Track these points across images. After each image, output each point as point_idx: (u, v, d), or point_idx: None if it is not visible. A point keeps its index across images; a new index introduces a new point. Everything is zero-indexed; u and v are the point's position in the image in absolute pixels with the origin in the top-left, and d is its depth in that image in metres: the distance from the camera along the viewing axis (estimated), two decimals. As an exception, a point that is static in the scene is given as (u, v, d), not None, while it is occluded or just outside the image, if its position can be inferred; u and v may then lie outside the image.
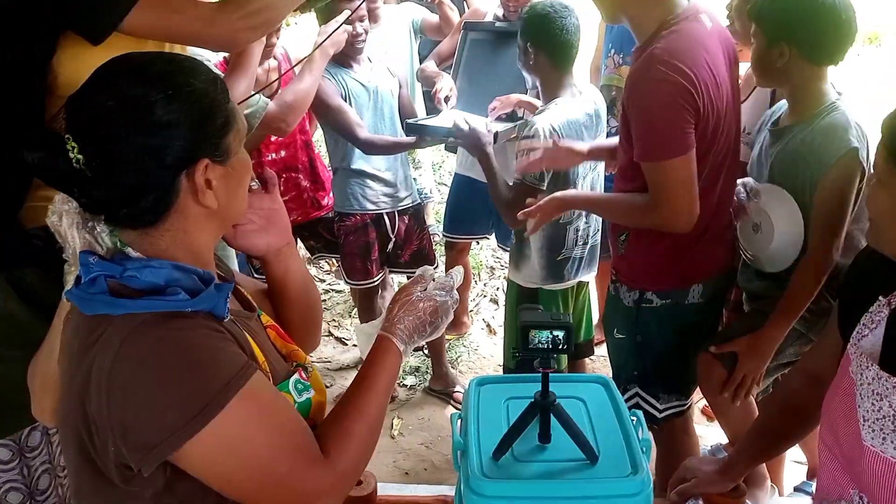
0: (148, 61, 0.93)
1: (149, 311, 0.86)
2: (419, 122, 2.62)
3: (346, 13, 2.16)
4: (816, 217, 1.70)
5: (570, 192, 1.90)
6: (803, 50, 1.69)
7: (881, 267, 1.06)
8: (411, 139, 2.61)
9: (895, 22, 6.61)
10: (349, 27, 2.37)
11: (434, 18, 3.10)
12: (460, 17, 3.07)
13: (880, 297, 1.07)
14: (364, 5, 2.52)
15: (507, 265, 3.78)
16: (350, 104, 2.57)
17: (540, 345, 1.02)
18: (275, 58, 2.53)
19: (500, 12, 2.86)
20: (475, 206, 3.00)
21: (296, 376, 1.03)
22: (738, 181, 1.88)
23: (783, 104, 1.89)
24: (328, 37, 2.12)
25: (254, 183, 1.13)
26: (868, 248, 1.15)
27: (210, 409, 0.83)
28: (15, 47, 1.28)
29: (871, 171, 1.03)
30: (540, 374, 1.06)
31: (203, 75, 0.93)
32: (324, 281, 3.91)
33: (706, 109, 1.59)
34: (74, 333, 0.91)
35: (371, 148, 2.60)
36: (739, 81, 1.96)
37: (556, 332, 1.02)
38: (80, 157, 0.85)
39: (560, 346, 1.03)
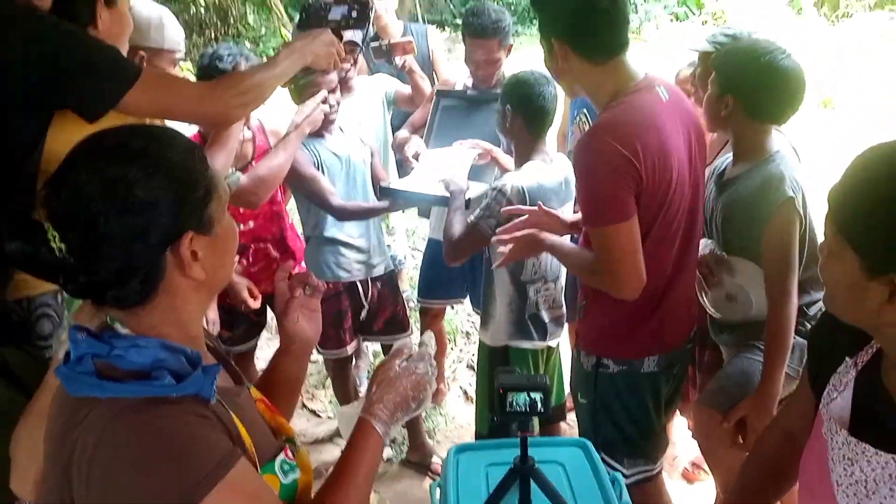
0: (125, 137, 0.91)
1: (134, 396, 0.84)
2: (391, 187, 2.64)
3: (323, 93, 2.22)
4: (767, 266, 1.79)
5: (547, 235, 1.92)
6: (745, 105, 1.83)
7: (846, 328, 1.07)
8: (384, 203, 2.64)
9: (849, 88, 6.95)
10: (325, 107, 2.43)
11: (406, 90, 3.18)
12: (431, 87, 3.15)
13: (847, 359, 1.09)
14: (336, 76, 2.58)
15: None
16: (323, 173, 2.60)
17: (517, 408, 1.02)
18: (249, 128, 2.57)
19: (469, 82, 2.95)
20: (449, 271, 2.99)
21: (282, 456, 1.01)
22: (701, 246, 1.94)
23: (727, 157, 1.98)
24: (306, 117, 2.17)
25: (307, 289, 1.19)
26: None
27: (190, 500, 0.80)
28: (8, 126, 1.29)
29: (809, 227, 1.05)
30: (518, 439, 1.05)
31: (181, 147, 0.93)
32: (297, 351, 3.85)
33: (649, 179, 1.61)
34: (60, 412, 0.89)
35: (344, 214, 2.61)
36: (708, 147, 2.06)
37: (533, 395, 1.02)
38: (61, 245, 0.84)
39: (538, 409, 1.02)
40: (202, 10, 11.28)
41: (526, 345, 2.38)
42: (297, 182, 2.58)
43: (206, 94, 1.50)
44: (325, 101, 2.45)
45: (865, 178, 0.97)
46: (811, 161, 2.31)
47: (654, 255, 1.71)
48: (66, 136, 1.26)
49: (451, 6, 13.29)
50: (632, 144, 1.58)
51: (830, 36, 7.87)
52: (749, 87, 1.82)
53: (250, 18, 11.99)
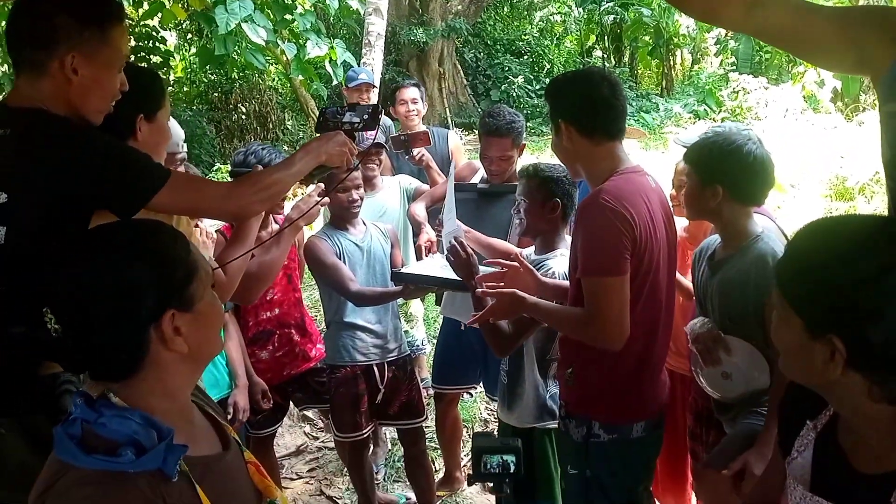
0: (114, 231, 1.08)
1: (93, 469, 0.94)
2: (404, 272, 2.78)
3: (320, 187, 2.31)
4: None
5: (528, 296, 2.01)
6: (733, 192, 1.95)
7: (808, 394, 1.12)
8: (397, 288, 2.74)
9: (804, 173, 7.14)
10: (319, 207, 2.54)
11: (425, 187, 3.38)
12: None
13: (808, 422, 1.15)
14: (360, 174, 2.79)
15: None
16: (344, 262, 2.77)
17: (491, 469, 1.09)
18: (276, 221, 2.74)
19: (485, 175, 3.15)
20: (463, 355, 3.09)
21: None
22: (698, 325, 2.02)
23: (714, 238, 2.09)
24: (303, 214, 2.22)
25: None
26: None
27: None
28: (55, 228, 1.45)
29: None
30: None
31: (164, 235, 1.07)
32: (317, 438, 3.91)
33: (642, 243, 1.78)
34: (46, 469, 1.00)
35: (361, 300, 2.75)
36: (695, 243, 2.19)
37: (506, 457, 1.09)
38: (57, 327, 0.98)
39: (511, 471, 1.09)
40: (243, 117, 11.97)
41: (552, 424, 2.36)
42: (320, 269, 2.75)
43: (227, 193, 1.66)
44: (345, 190, 2.65)
45: (803, 247, 1.07)
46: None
47: (643, 319, 1.84)
48: None
49: (479, 110, 13.88)
50: (629, 208, 1.77)
51: (846, 131, 8.04)
52: (736, 176, 1.94)
53: (288, 124, 12.67)
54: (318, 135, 1.86)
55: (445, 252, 2.29)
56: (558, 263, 2.30)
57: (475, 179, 3.23)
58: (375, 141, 3.27)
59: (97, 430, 0.97)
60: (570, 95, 1.92)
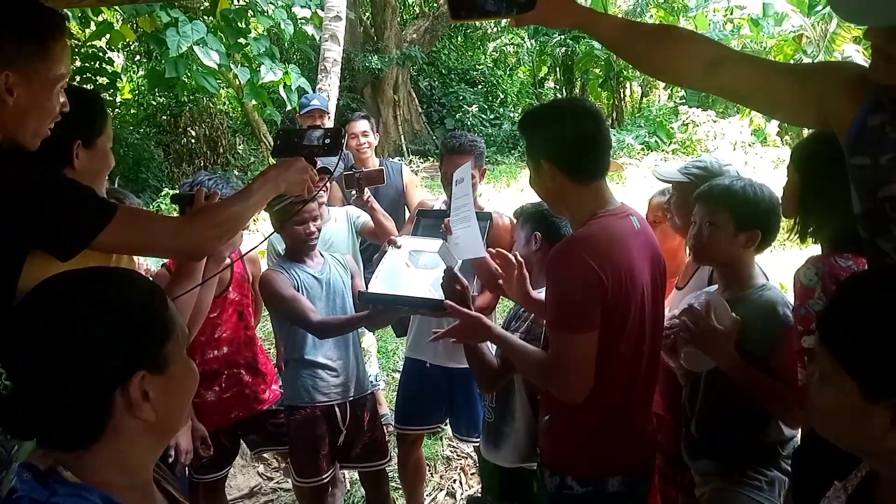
0: (79, 277, 0.93)
1: None
2: (371, 292, 2.56)
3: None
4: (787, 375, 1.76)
5: (493, 325, 1.93)
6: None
7: (832, 452, 1.05)
8: (364, 313, 2.59)
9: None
10: (308, 227, 2.42)
11: (371, 223, 3.28)
12: (404, 218, 3.25)
13: (836, 483, 1.07)
14: (317, 205, 2.66)
15: (471, 453, 3.70)
16: (303, 295, 2.62)
17: (491, 537, 0.99)
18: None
19: (446, 198, 3.06)
20: (427, 394, 2.97)
21: None
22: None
23: (710, 288, 2.03)
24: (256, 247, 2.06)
25: None
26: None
27: None
28: None
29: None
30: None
31: (138, 287, 0.94)
32: (271, 479, 3.71)
33: (614, 295, 1.66)
34: None
35: (325, 330, 2.60)
36: (675, 278, 2.10)
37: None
38: (7, 383, 0.84)
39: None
40: (192, 140, 11.71)
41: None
42: (278, 303, 2.59)
43: (180, 230, 1.51)
44: (302, 222, 2.54)
45: (859, 303, 0.98)
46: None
47: (620, 372, 1.74)
48: (42, 273, 1.30)
49: (433, 138, 13.92)
50: (601, 260, 1.65)
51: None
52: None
53: (239, 148, 12.46)
54: (275, 161, 1.73)
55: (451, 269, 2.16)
56: None
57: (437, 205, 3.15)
58: (322, 166, 3.17)
59: None
60: (553, 133, 1.76)
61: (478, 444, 2.99)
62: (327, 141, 1.76)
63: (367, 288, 2.64)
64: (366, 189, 3.12)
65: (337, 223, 3.32)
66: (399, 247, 2.72)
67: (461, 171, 2.36)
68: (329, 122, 4.67)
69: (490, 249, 2.26)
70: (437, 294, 2.32)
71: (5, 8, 1.31)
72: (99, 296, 0.89)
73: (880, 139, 1.16)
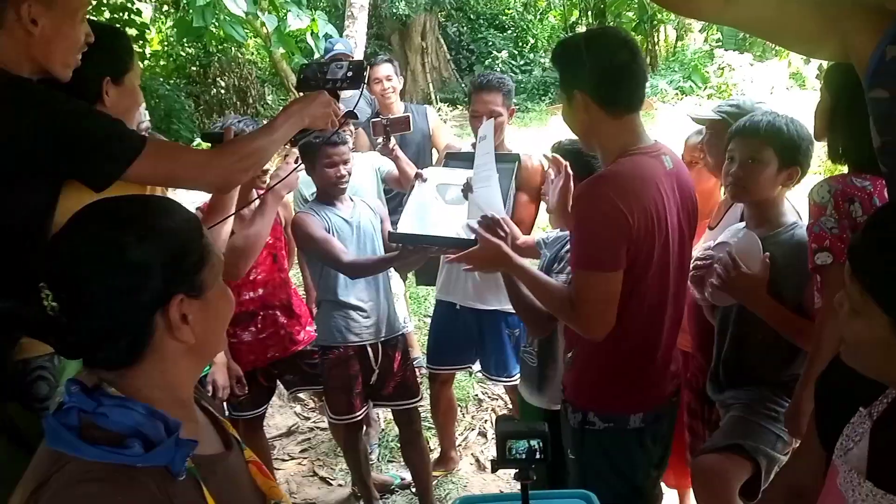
0: (120, 205, 0.96)
1: (98, 461, 0.84)
2: (401, 232, 2.58)
3: (295, 153, 2.22)
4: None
5: (515, 255, 1.92)
6: (802, 174, 1.91)
7: (857, 378, 1.05)
8: (394, 253, 2.62)
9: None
10: (301, 170, 2.43)
11: (396, 171, 3.28)
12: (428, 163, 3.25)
13: (861, 409, 1.07)
14: (348, 149, 2.68)
15: (501, 394, 3.78)
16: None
17: (518, 455, 1.02)
18: (256, 191, 2.63)
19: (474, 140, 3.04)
20: (457, 335, 3.02)
21: None
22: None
23: (741, 224, 2.01)
24: (281, 180, 2.14)
25: None
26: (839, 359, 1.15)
27: None
28: (20, 194, 1.35)
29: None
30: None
31: (176, 215, 0.96)
32: (308, 419, 3.84)
33: (639, 234, 1.65)
34: (37, 461, 0.90)
35: (355, 270, 2.65)
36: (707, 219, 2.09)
37: (532, 442, 1.02)
38: (54, 304, 0.86)
39: (538, 456, 1.03)
40: (222, 91, 11.73)
41: None
42: (310, 244, 2.64)
43: (208, 162, 1.55)
44: (333, 164, 2.55)
45: (890, 235, 0.96)
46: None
47: (644, 310, 1.74)
48: (76, 205, 1.35)
49: (462, 86, 13.74)
50: (627, 199, 1.63)
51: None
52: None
53: (269, 98, 12.45)
54: (299, 97, 1.74)
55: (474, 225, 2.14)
56: None
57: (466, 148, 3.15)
58: (347, 110, 3.17)
59: (97, 421, 0.88)
60: (588, 62, 1.68)
61: (507, 384, 3.06)
62: (350, 74, 1.75)
63: (396, 228, 2.66)
64: (391, 137, 3.12)
65: (361, 170, 3.33)
66: (426, 180, 2.73)
67: (484, 127, 2.34)
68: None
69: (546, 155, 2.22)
70: (467, 233, 2.34)
71: None
72: (139, 221, 0.92)
73: None
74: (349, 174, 2.70)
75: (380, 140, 3.13)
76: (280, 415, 3.82)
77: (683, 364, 2.26)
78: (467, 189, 2.34)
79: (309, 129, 1.70)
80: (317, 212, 2.68)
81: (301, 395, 3.84)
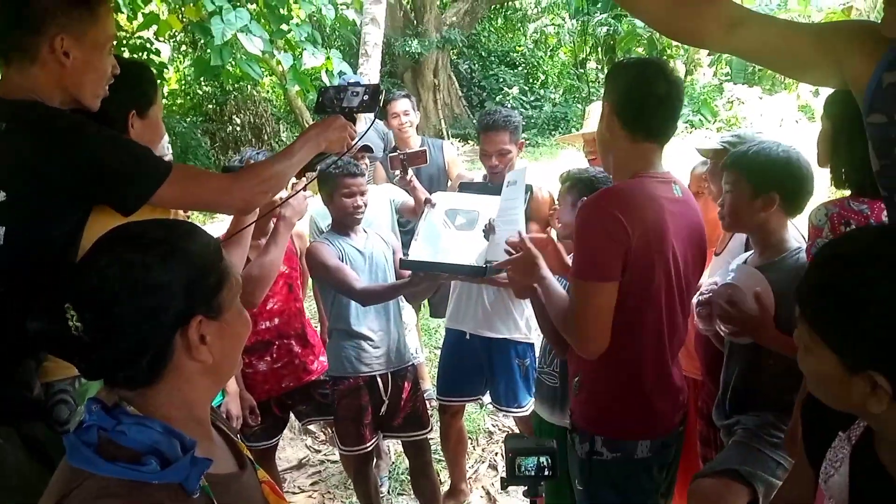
0: (145, 228, 1.00)
1: (115, 478, 0.87)
2: (413, 259, 2.61)
3: (304, 181, 2.28)
4: None
5: (544, 266, 1.94)
6: (787, 200, 1.91)
7: None
8: (406, 280, 2.65)
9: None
10: (308, 194, 2.46)
11: (411, 202, 3.34)
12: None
13: (840, 433, 1.09)
14: (365, 181, 2.75)
15: (512, 427, 3.76)
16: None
17: (526, 472, 1.03)
18: None
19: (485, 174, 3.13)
20: (467, 365, 3.03)
21: None
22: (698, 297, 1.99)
23: (745, 255, 2.04)
24: (285, 201, 2.18)
25: None
26: None
27: None
28: (51, 218, 1.41)
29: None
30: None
31: (197, 238, 1.00)
32: (319, 451, 3.83)
33: (638, 252, 1.67)
34: (57, 478, 0.93)
35: (369, 297, 2.67)
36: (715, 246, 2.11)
37: (542, 458, 1.04)
38: (78, 324, 0.89)
39: (546, 473, 1.04)
40: (238, 128, 11.94)
41: None
42: (323, 272, 2.68)
43: (229, 186, 1.61)
44: (350, 195, 2.61)
45: (831, 273, 0.98)
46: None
47: (647, 335, 1.75)
48: (101, 229, 1.40)
49: (473, 121, 13.89)
50: (629, 213, 1.66)
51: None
52: (793, 184, 1.91)
53: (283, 135, 12.65)
54: (316, 120, 1.81)
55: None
56: None
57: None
58: (365, 144, 3.24)
59: (115, 439, 0.91)
60: (624, 83, 1.77)
61: (517, 415, 3.05)
62: (366, 98, 1.81)
63: (407, 255, 2.70)
64: (409, 169, 3.18)
65: (377, 202, 3.39)
66: (434, 205, 2.77)
67: (516, 174, 2.38)
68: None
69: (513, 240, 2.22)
70: (476, 259, 2.37)
71: None
72: (162, 244, 0.95)
73: None
74: (365, 205, 2.75)
75: (397, 173, 3.19)
76: (291, 447, 3.82)
77: (694, 391, 2.27)
78: (489, 231, 2.38)
79: (326, 152, 1.76)
80: (331, 241, 2.73)
81: (312, 428, 3.84)
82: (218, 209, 1.68)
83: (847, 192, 1.78)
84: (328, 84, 8.27)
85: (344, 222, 2.76)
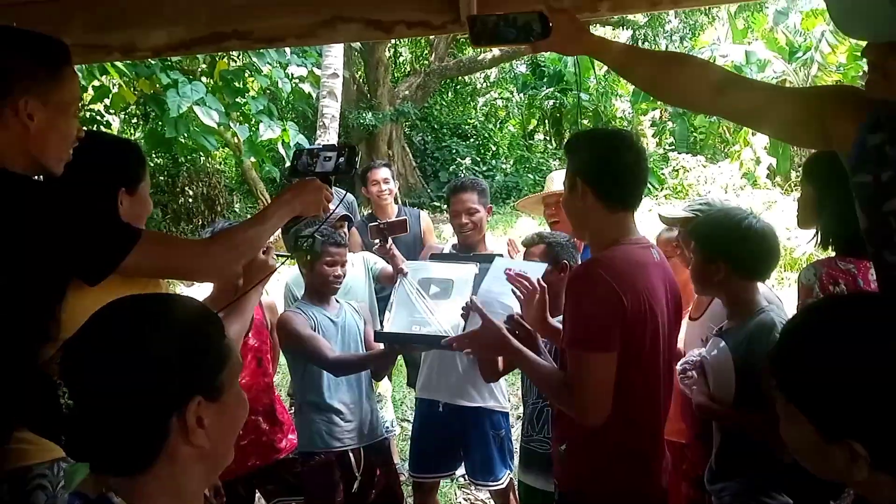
0: (142, 302, 0.95)
1: None
2: (388, 331, 2.57)
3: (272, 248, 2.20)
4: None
5: (511, 339, 1.89)
6: (736, 267, 1.93)
7: None
8: (381, 350, 2.61)
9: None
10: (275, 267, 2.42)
11: (389, 269, 3.32)
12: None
13: (831, 502, 1.08)
14: (346, 252, 2.74)
15: (486, 500, 3.64)
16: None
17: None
18: None
19: (454, 242, 3.15)
20: (441, 439, 2.95)
21: None
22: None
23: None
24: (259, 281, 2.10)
25: None
26: None
27: None
28: (19, 294, 1.33)
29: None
30: None
31: (197, 313, 0.95)
32: (284, 534, 3.62)
33: (633, 319, 1.67)
34: None
35: (341, 367, 2.61)
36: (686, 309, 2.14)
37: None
38: (69, 402, 0.83)
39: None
40: (190, 199, 11.80)
41: None
42: (296, 342, 2.60)
43: (200, 252, 1.56)
44: (331, 265, 2.63)
45: (804, 339, 0.98)
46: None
47: (634, 400, 1.73)
48: (88, 302, 1.33)
49: (428, 191, 14.09)
50: (621, 282, 1.66)
51: (784, 205, 8.38)
52: (737, 252, 1.93)
53: (236, 206, 12.56)
54: (289, 185, 1.77)
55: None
56: None
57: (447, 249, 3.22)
58: (343, 213, 3.22)
59: None
60: (594, 156, 1.79)
61: (493, 489, 2.96)
62: (341, 161, 1.78)
63: (382, 327, 2.65)
64: (388, 238, 3.17)
65: (354, 269, 3.35)
66: (406, 274, 2.75)
67: (501, 263, 2.39)
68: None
69: (510, 271, 2.23)
70: (452, 328, 2.34)
71: (19, 40, 1.39)
72: (161, 320, 0.90)
73: (881, 157, 1.20)
74: (344, 276, 2.73)
75: (377, 242, 3.18)
76: (254, 530, 3.61)
77: (679, 456, 2.24)
78: (468, 311, 2.34)
79: (301, 216, 1.72)
80: (303, 311, 2.67)
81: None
82: (190, 277, 1.63)
83: (831, 253, 1.83)
84: (284, 154, 8.30)
85: (321, 291, 2.72)
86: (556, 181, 3.20)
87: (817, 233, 1.84)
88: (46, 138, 1.40)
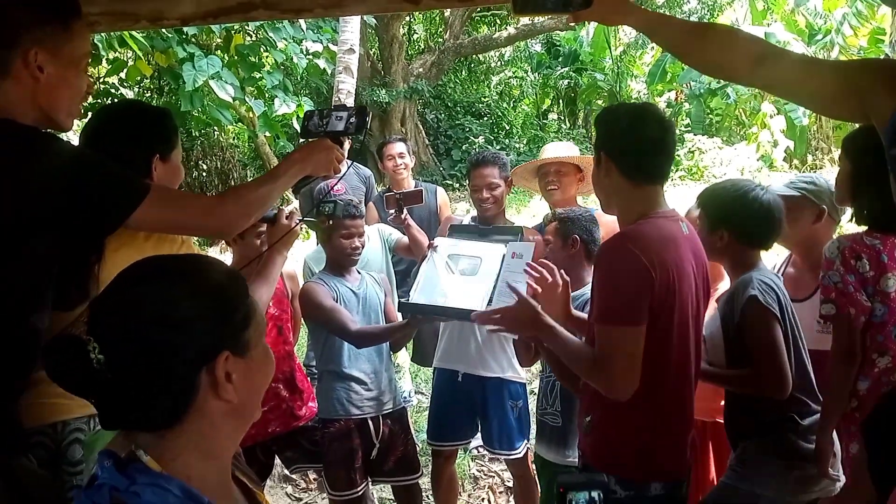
0: (169, 261, 0.97)
1: None
2: (412, 302, 2.57)
3: (288, 212, 2.17)
4: (759, 365, 1.92)
5: (547, 316, 1.88)
6: (738, 236, 2.01)
7: None
8: (403, 322, 2.63)
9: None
10: (296, 227, 2.43)
11: (405, 240, 3.34)
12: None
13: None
14: (363, 223, 2.78)
15: (499, 471, 3.69)
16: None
17: (579, 506, 1.00)
18: None
19: (474, 214, 3.17)
20: (459, 408, 2.98)
21: None
22: None
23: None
24: (279, 240, 1.98)
25: None
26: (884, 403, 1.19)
27: None
28: (28, 251, 1.33)
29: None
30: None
31: (223, 272, 0.97)
32: (300, 500, 3.69)
33: (661, 293, 1.68)
34: None
35: (364, 339, 2.64)
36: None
37: (594, 493, 1.00)
38: (100, 357, 0.84)
39: (599, 507, 1.01)
40: (204, 174, 11.83)
41: None
42: (318, 313, 2.64)
43: (210, 208, 1.56)
44: (348, 237, 2.66)
45: None
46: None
47: (664, 373, 1.74)
48: (122, 262, 1.34)
49: (441, 169, 14.04)
50: (650, 255, 1.67)
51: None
52: (742, 221, 2.01)
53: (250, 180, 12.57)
54: (301, 145, 1.78)
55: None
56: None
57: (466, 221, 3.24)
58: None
59: (128, 501, 0.84)
60: (618, 130, 1.80)
61: (510, 458, 2.99)
62: (352, 121, 1.77)
63: (408, 298, 2.66)
64: (404, 209, 3.19)
65: (370, 241, 3.38)
66: (437, 248, 2.76)
67: (522, 247, 2.38)
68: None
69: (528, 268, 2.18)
70: (474, 302, 2.35)
71: None
72: (189, 277, 0.92)
73: None
74: (362, 247, 2.75)
75: (392, 212, 3.20)
76: (270, 496, 3.67)
77: (704, 433, 2.31)
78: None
79: (311, 175, 1.73)
80: (326, 282, 2.71)
81: (293, 476, 3.70)
82: (198, 232, 1.63)
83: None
84: (299, 129, 8.26)
85: (340, 263, 2.74)
86: (550, 151, 3.28)
87: (854, 207, 1.87)
88: (57, 92, 1.40)
